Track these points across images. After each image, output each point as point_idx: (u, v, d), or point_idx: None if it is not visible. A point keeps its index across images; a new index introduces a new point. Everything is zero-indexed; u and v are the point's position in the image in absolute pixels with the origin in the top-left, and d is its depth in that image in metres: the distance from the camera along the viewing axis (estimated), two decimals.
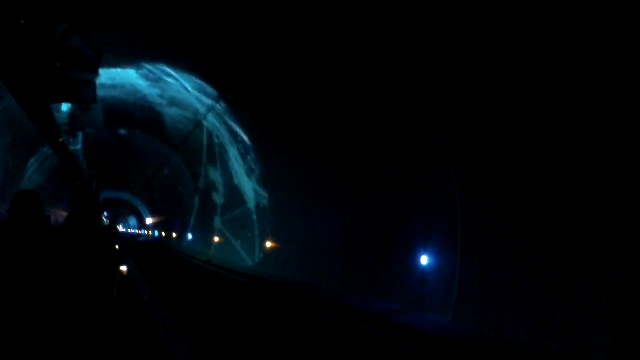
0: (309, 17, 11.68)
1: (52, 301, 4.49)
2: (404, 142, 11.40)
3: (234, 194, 25.47)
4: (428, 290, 10.79)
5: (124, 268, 12.16)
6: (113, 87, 19.37)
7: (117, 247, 5.73)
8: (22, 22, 11.01)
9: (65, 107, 16.90)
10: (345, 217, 14.78)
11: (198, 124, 23.20)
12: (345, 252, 14.62)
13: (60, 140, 17.16)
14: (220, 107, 19.81)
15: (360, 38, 10.92)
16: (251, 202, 23.41)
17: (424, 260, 10.86)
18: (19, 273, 4.36)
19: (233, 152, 23.14)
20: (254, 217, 23.18)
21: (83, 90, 13.53)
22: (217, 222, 29.07)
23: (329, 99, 13.54)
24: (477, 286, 9.63)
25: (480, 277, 9.59)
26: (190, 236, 37.11)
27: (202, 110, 21.25)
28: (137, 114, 23.64)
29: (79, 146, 20.95)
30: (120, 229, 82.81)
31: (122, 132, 27.74)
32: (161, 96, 21.04)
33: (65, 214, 41.26)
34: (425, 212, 10.99)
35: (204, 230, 32.89)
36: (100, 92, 16.50)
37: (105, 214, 62.63)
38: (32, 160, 24.12)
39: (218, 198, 28.28)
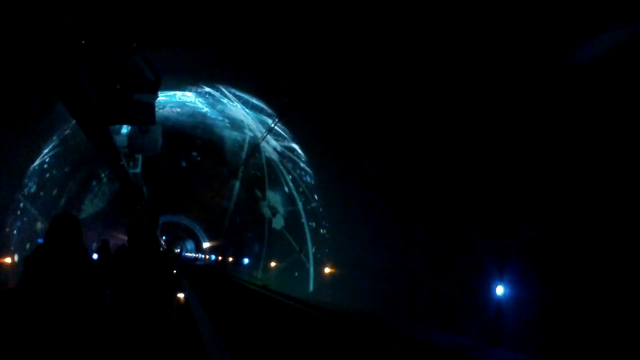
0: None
1: (86, 338, 4.13)
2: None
3: (292, 219, 25.02)
4: (504, 323, 9.91)
5: (180, 295, 11.74)
6: (172, 108, 19.32)
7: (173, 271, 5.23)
8: (83, 42, 10.93)
9: (124, 129, 16.83)
10: (408, 242, 14.04)
11: (256, 148, 22.93)
12: (408, 279, 13.85)
13: (120, 163, 17.06)
14: (280, 131, 19.49)
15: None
16: (307, 228, 22.91)
17: (500, 290, 10.01)
18: (48, 304, 4.04)
19: (291, 178, 22.76)
20: (310, 243, 22.65)
21: (142, 112, 13.32)
22: (275, 246, 28.66)
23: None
24: (561, 318, 8.74)
25: (565, 308, 8.70)
26: (246, 260, 36.84)
27: (260, 134, 20.97)
28: (195, 136, 23.58)
29: (138, 169, 20.89)
30: (177, 252, 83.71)
31: (181, 154, 27.78)
32: (220, 118, 20.90)
33: (125, 238, 41.96)
34: (501, 235, 10.17)
35: (263, 255, 32.54)
36: (159, 114, 16.40)
37: (164, 237, 63.41)
38: (94, 184, 24.36)
39: (275, 223, 27.89)
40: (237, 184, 30.57)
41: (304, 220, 23.42)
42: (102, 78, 12.51)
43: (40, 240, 17.37)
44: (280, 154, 22.02)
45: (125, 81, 13.23)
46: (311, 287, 22.32)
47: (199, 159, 28.76)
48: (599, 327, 8.15)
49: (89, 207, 25.77)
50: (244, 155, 24.76)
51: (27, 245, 16.80)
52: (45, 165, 17.17)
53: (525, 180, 9.54)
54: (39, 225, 18.03)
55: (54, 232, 4.27)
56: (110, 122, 13.20)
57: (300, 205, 23.28)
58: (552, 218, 8.97)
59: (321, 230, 21.10)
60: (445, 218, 11.90)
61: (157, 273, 5.05)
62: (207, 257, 59.15)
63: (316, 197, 20.77)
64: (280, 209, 26.43)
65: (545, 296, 9.20)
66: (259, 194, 28.50)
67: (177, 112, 20.27)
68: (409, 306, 13.31)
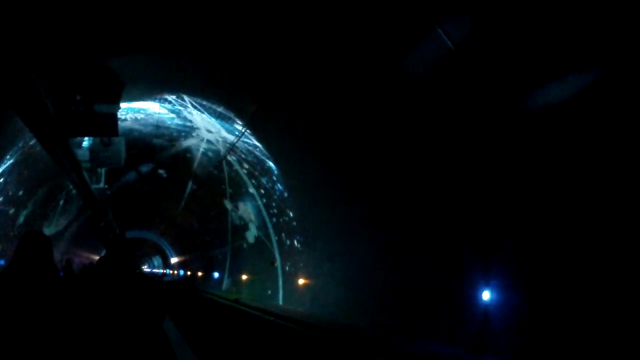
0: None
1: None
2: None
3: (264, 232, 24.51)
4: (491, 331, 9.57)
5: None
6: (135, 120, 18.67)
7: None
8: (39, 49, 10.34)
9: (85, 142, 16.17)
10: (385, 246, 13.66)
11: (223, 158, 22.35)
12: (387, 287, 13.45)
13: (82, 178, 16.36)
14: (248, 139, 18.97)
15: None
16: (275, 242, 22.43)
17: (486, 295, 9.67)
18: (16, 329, 3.72)
19: (262, 191, 22.26)
20: (279, 257, 22.17)
21: (104, 123, 12.80)
22: (245, 259, 28.06)
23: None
24: (548, 324, 8.43)
25: (552, 313, 8.40)
26: (216, 274, 36.09)
27: (228, 143, 20.42)
28: (161, 149, 22.92)
29: (102, 184, 20.15)
30: (145, 269, 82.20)
31: (146, 167, 27.01)
32: (186, 129, 20.30)
33: (91, 256, 40.68)
34: (485, 237, 9.84)
35: (232, 268, 31.88)
36: (122, 126, 15.77)
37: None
38: (56, 201, 23.48)
39: (246, 236, 27.31)
40: (205, 197, 29.89)
41: (273, 233, 22.94)
42: (61, 88, 11.92)
43: (1, 262, 16.52)
44: (250, 165, 21.50)
45: (86, 91, 12.65)
46: (281, 300, 21.82)
47: (164, 172, 28.02)
48: (587, 334, 7.86)
49: (52, 226, 24.86)
50: (211, 167, 24.15)
51: None
52: (1, 181, 16.36)
53: (508, 181, 9.25)
54: None
55: (23, 250, 3.92)
56: (70, 135, 12.59)
57: (270, 219, 22.80)
58: (538, 219, 8.69)
59: (295, 244, 20.60)
60: (426, 222, 11.55)
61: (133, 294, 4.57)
62: (176, 272, 58.05)
63: (289, 210, 20.29)
64: (251, 223, 25.88)
65: (532, 302, 8.90)
66: (228, 207, 27.88)
67: (141, 124, 19.60)
68: (388, 315, 12.90)
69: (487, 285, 9.73)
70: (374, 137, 12.87)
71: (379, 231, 13.81)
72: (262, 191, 22.23)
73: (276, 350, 12.29)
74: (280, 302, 21.89)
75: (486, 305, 9.72)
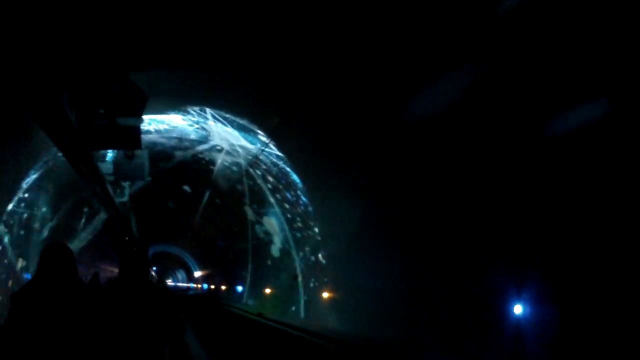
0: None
1: None
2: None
3: (287, 246, 24.30)
4: (523, 345, 9.22)
5: None
6: (158, 133, 18.66)
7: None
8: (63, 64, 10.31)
9: (109, 156, 16.16)
10: (410, 261, 13.36)
11: (246, 171, 22.24)
12: (412, 300, 13.14)
13: (106, 191, 16.32)
14: (272, 152, 18.83)
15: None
16: (304, 253, 22.17)
17: (518, 309, 9.34)
18: (44, 342, 3.58)
19: (286, 205, 22.08)
20: (300, 271, 21.94)
21: (127, 136, 12.68)
22: (269, 274, 27.85)
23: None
24: (584, 339, 8.08)
25: (587, 327, 8.04)
26: (240, 288, 35.92)
27: (251, 156, 20.31)
28: (184, 162, 22.89)
29: (126, 198, 20.17)
30: (169, 282, 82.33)
31: (169, 181, 27.01)
32: (209, 142, 20.24)
33: (116, 270, 40.84)
34: (516, 249, 9.52)
35: (255, 282, 31.71)
36: (145, 140, 15.73)
37: (154, 268, 62.33)
38: (80, 215, 23.55)
39: (269, 248, 27.12)
40: (228, 211, 29.79)
41: (295, 247, 22.73)
42: (84, 102, 11.87)
43: (27, 276, 16.50)
44: (274, 178, 21.35)
45: (109, 104, 12.58)
46: (302, 314, 21.54)
47: (188, 185, 28.01)
48: (625, 350, 7.51)
49: (76, 240, 24.92)
50: (234, 180, 24.05)
51: (10, 284, 15.90)
52: (26, 196, 16.39)
53: (541, 193, 8.94)
54: (20, 263, 17.12)
55: (46, 263, 3.79)
56: (93, 148, 12.51)
57: (294, 233, 22.59)
58: (575, 227, 8.36)
59: (319, 258, 20.33)
60: (455, 237, 11.23)
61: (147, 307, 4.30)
62: (199, 286, 58.01)
63: (312, 223, 20.05)
64: (274, 236, 25.69)
65: (566, 315, 8.56)
66: (252, 220, 27.74)
67: (164, 137, 19.60)
68: (419, 330, 12.56)
69: (518, 298, 9.40)
70: (404, 152, 12.66)
71: (406, 245, 13.52)
72: (286, 205, 22.06)
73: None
74: (302, 316, 21.62)
75: (518, 320, 9.38)
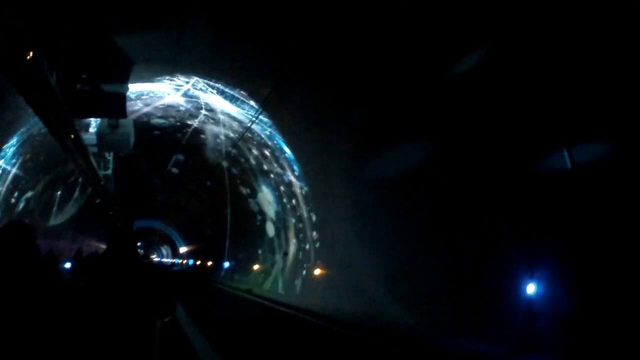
0: None
1: None
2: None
3: (276, 217, 23.72)
4: (537, 327, 8.71)
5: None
6: (144, 102, 17.85)
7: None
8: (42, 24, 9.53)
9: (92, 126, 15.40)
10: (410, 234, 12.81)
11: (237, 143, 21.43)
12: (415, 277, 12.60)
13: (89, 163, 15.58)
14: (264, 122, 18.08)
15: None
16: (294, 227, 21.60)
17: (531, 288, 8.82)
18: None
19: (276, 177, 21.41)
20: (298, 242, 21.34)
21: (111, 103, 11.98)
22: (258, 248, 27.29)
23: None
24: (601, 318, 7.58)
25: (606, 306, 7.53)
26: (227, 264, 35.38)
27: (242, 127, 19.54)
28: (170, 133, 22.07)
29: (110, 171, 19.41)
30: (154, 258, 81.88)
31: (155, 153, 26.18)
32: (198, 112, 19.44)
33: (100, 245, 40.19)
34: (531, 222, 8.95)
35: (242, 258, 31.16)
36: (130, 109, 14.97)
37: (138, 244, 61.58)
38: (63, 188, 22.76)
39: (258, 223, 26.53)
40: (217, 184, 29.07)
41: (288, 220, 22.14)
42: (65, 65, 11.11)
43: None
44: (266, 151, 20.62)
45: (92, 69, 11.85)
46: (294, 291, 21.08)
47: (174, 158, 27.18)
48: None
49: (59, 214, 24.15)
50: (225, 152, 23.26)
51: None
52: (6, 166, 15.58)
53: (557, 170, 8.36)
54: None
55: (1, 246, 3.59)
56: (76, 115, 11.79)
57: (285, 208, 21.97)
58: (590, 200, 7.81)
59: (311, 235, 19.76)
60: (469, 211, 10.63)
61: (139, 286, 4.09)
62: (185, 262, 57.52)
63: (304, 198, 19.42)
64: (265, 212, 25.08)
65: (583, 294, 8.05)
66: (241, 194, 27.07)
67: (150, 107, 18.79)
68: (421, 311, 12.03)
69: (531, 277, 8.87)
70: (401, 122, 12.04)
71: (405, 218, 12.95)
72: (277, 179, 21.40)
73: (291, 341, 11.53)
74: (293, 292, 21.14)
75: (531, 300, 8.87)
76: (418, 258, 12.37)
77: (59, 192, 22.48)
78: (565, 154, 8.03)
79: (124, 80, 12.01)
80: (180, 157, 26.86)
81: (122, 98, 12.23)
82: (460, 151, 10.44)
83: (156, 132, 22.00)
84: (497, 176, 9.62)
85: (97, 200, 26.67)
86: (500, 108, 9.21)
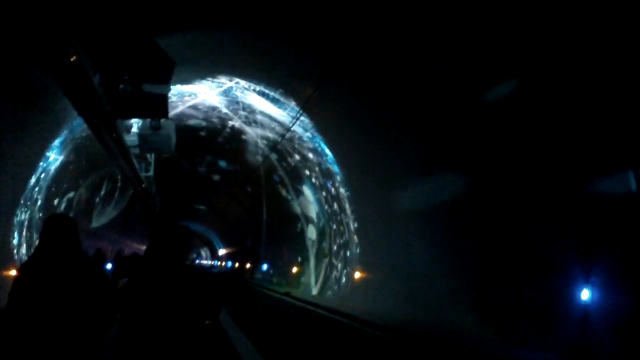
0: None
1: None
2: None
3: (317, 221, 23.54)
4: (592, 335, 8.30)
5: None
6: (184, 104, 17.88)
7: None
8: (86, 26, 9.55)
9: (134, 127, 15.48)
10: (457, 239, 12.46)
11: (277, 144, 21.30)
12: (458, 280, 12.24)
13: (131, 164, 15.66)
14: (305, 124, 17.91)
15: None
16: (335, 229, 21.37)
17: (585, 294, 8.41)
18: (39, 323, 3.43)
19: (317, 179, 21.23)
20: (338, 245, 21.12)
21: (153, 104, 11.98)
22: (297, 250, 27.13)
23: None
24: None
25: None
26: (265, 266, 35.35)
27: (284, 128, 19.38)
28: (211, 135, 22.08)
29: (151, 172, 19.52)
30: (195, 261, 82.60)
31: (195, 155, 26.28)
32: (239, 114, 19.39)
33: (141, 247, 40.69)
34: (587, 222, 8.53)
35: (281, 260, 31.06)
36: (171, 110, 15.00)
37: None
38: (106, 190, 23.03)
39: (298, 226, 26.38)
40: (256, 186, 29.03)
41: (326, 226, 21.95)
42: (108, 66, 11.13)
43: None
44: (306, 151, 20.42)
45: (134, 70, 11.84)
46: (333, 294, 20.87)
47: (214, 159, 27.24)
48: None
49: (101, 216, 24.44)
50: (264, 155, 23.20)
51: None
52: (50, 170, 15.77)
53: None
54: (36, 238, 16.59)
55: (47, 237, 3.65)
56: (118, 116, 11.81)
57: (326, 210, 21.75)
58: None
59: (353, 237, 19.50)
60: (510, 208, 10.25)
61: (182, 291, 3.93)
62: (223, 264, 57.82)
63: (346, 200, 19.16)
64: (306, 214, 24.91)
65: None
66: (282, 197, 26.96)
67: (191, 109, 18.82)
68: (469, 316, 11.66)
69: (586, 282, 8.46)
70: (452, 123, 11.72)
71: (452, 220, 12.60)
72: (319, 182, 21.19)
73: (328, 344, 11.31)
74: (332, 295, 20.92)
75: (586, 305, 8.45)
76: (468, 264, 12.00)
77: (100, 194, 22.74)
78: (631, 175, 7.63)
79: (166, 81, 11.96)
80: (220, 159, 26.91)
81: (163, 98, 12.21)
82: (521, 160, 10.05)
83: (196, 134, 22.05)
84: (556, 185, 9.21)
85: (138, 203, 26.91)
86: (569, 129, 8.82)
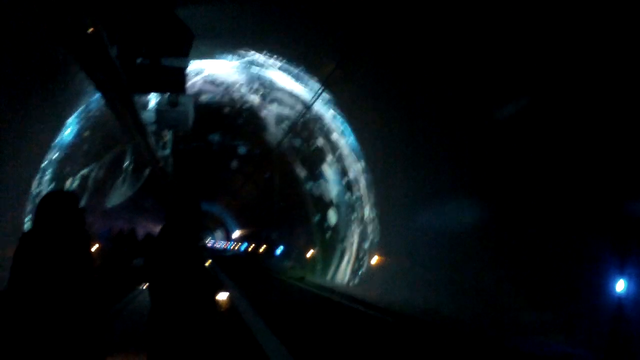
0: None
1: None
2: None
3: (331, 203, 23.16)
4: (626, 330, 7.86)
5: (222, 297, 10.17)
6: (203, 79, 17.49)
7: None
8: None
9: (151, 104, 15.14)
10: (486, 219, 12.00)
11: (297, 123, 20.77)
12: (487, 272, 11.82)
13: (148, 142, 15.35)
14: (323, 102, 17.42)
15: None
16: (353, 212, 20.99)
17: (620, 286, 7.96)
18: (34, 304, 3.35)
19: (337, 161, 20.79)
20: (356, 229, 20.74)
21: (171, 78, 11.63)
22: (313, 234, 26.79)
23: None
24: None
25: None
26: (279, 250, 35.12)
27: (304, 107, 18.88)
28: (230, 114, 21.66)
29: (168, 151, 19.19)
30: (208, 242, 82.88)
31: (213, 134, 25.90)
32: (258, 91, 18.94)
33: (156, 227, 40.66)
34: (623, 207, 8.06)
35: (296, 244, 30.77)
36: (189, 86, 14.66)
37: None
38: (122, 169, 22.79)
39: (315, 209, 26.01)
40: (274, 168, 28.64)
41: (344, 210, 21.56)
42: (125, 38, 10.79)
43: None
44: (326, 131, 19.95)
45: (152, 43, 11.48)
46: (336, 278, 20.54)
47: (232, 139, 26.83)
48: None
49: (116, 195, 24.22)
50: (283, 134, 22.73)
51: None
52: (64, 146, 15.49)
53: None
54: None
55: (43, 212, 3.56)
56: (135, 90, 11.47)
57: (345, 194, 21.33)
58: None
59: (371, 222, 19.09)
60: (540, 192, 9.79)
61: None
62: (237, 246, 57.79)
63: (365, 182, 18.72)
64: (323, 197, 24.52)
65: None
66: (299, 178, 26.56)
67: (210, 84, 18.43)
68: (491, 306, 11.25)
69: (621, 273, 8.01)
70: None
71: (476, 199, 12.14)
72: (338, 164, 20.75)
73: (346, 332, 11.02)
74: (347, 282, 20.63)
75: (620, 298, 8.01)
76: (492, 252, 11.58)
77: (116, 173, 22.51)
78: None
79: (185, 54, 11.61)
80: (238, 138, 26.52)
81: (182, 72, 11.87)
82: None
83: (214, 111, 21.65)
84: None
85: (154, 182, 26.68)
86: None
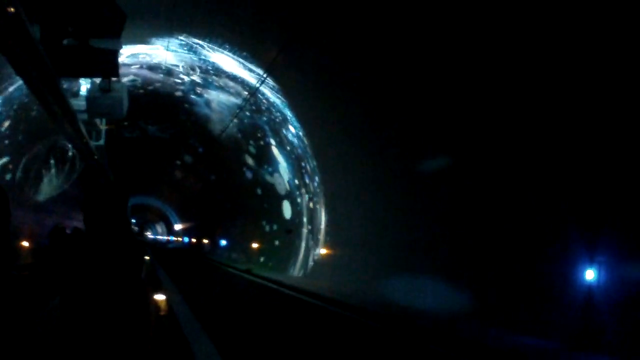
0: None
1: None
2: None
3: (277, 193, 22.48)
4: (596, 320, 7.53)
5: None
6: (137, 64, 16.44)
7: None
8: None
9: (82, 91, 14.03)
10: (432, 206, 11.63)
11: (240, 110, 19.88)
12: (439, 256, 11.42)
13: (78, 132, 14.23)
14: (268, 89, 16.67)
15: None
16: (300, 202, 20.39)
17: (590, 275, 7.62)
18: None
19: (282, 150, 20.10)
20: (304, 219, 20.16)
21: (102, 61, 10.66)
22: (259, 225, 26.05)
23: None
24: None
25: None
26: (223, 242, 34.24)
27: (247, 92, 18.04)
28: (168, 102, 20.59)
29: (102, 141, 18.00)
30: (149, 235, 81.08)
31: (150, 124, 24.68)
32: (196, 78, 18.02)
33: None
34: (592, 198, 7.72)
35: (241, 236, 29.99)
36: (123, 72, 13.67)
37: (133, 221, 60.59)
38: (53, 161, 21.45)
39: (259, 199, 25.26)
40: (216, 157, 27.65)
41: (289, 199, 20.95)
42: (49, 17, 9.79)
43: None
44: (270, 118, 19.22)
45: (80, 22, 10.47)
46: (306, 270, 19.93)
47: (170, 128, 25.67)
48: None
49: (47, 188, 22.80)
50: (227, 121, 21.79)
51: None
52: None
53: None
54: None
55: None
56: (62, 74, 10.43)
57: (291, 183, 20.69)
58: None
59: (319, 211, 18.53)
60: (506, 181, 9.41)
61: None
62: (180, 239, 56.55)
63: (312, 172, 18.12)
64: (267, 187, 23.81)
65: None
66: (242, 168, 25.71)
67: (146, 69, 17.38)
68: (451, 297, 10.83)
69: (591, 262, 7.66)
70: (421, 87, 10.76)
71: (434, 193, 11.71)
72: (284, 152, 20.04)
73: (293, 325, 10.43)
74: (297, 273, 20.04)
75: (590, 288, 7.67)
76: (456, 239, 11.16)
77: (47, 165, 21.15)
78: None
79: (117, 35, 10.62)
80: (178, 127, 25.38)
81: (113, 55, 10.90)
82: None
83: (151, 101, 20.57)
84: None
85: (90, 175, 25.29)
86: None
